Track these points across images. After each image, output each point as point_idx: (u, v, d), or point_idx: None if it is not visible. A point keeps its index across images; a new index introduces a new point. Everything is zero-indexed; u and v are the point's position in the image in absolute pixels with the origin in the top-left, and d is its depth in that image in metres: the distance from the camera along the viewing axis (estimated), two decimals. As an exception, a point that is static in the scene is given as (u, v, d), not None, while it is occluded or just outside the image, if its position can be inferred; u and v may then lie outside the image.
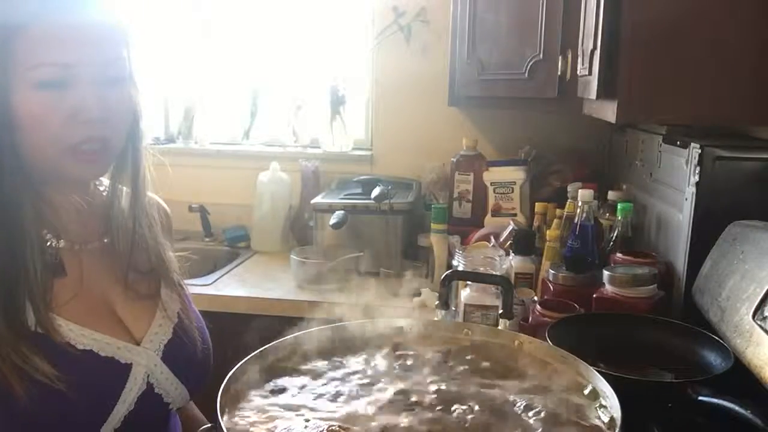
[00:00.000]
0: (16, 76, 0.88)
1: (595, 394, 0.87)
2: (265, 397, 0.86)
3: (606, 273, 1.42)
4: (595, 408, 0.84)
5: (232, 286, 2.22)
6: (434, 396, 0.88)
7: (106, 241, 1.04)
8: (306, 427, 0.79)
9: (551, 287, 1.56)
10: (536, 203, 2.09)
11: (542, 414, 0.81)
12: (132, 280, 1.03)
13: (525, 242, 1.76)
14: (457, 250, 1.68)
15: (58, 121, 0.89)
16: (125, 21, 0.97)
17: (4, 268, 0.89)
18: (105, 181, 1.06)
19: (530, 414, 0.82)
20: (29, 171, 0.93)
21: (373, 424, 0.81)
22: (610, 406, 0.83)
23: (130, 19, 0.98)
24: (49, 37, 0.88)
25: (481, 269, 1.54)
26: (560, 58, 1.84)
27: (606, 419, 0.82)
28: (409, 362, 0.98)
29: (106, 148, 0.94)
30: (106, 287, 1.02)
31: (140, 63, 1.00)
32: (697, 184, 1.38)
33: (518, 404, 0.85)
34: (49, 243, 0.97)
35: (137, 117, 1.01)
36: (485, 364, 0.98)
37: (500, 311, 1.41)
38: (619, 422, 0.78)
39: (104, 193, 1.06)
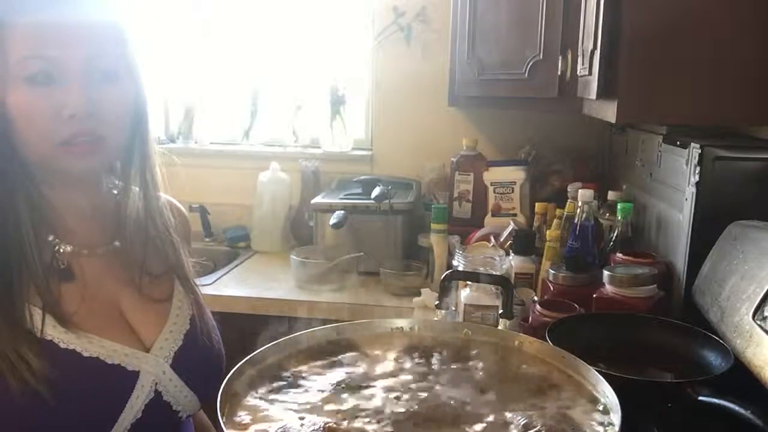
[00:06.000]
0: (7, 71, 0.88)
1: (605, 411, 0.84)
2: (264, 397, 0.86)
3: (606, 273, 1.42)
4: (602, 426, 0.81)
5: (232, 286, 2.22)
6: (431, 410, 0.85)
7: (117, 244, 1.02)
8: (302, 425, 0.79)
9: (551, 287, 1.56)
10: (536, 203, 2.09)
11: None
12: (144, 284, 1.01)
13: (525, 242, 1.76)
14: (457, 250, 1.68)
15: (46, 118, 0.89)
16: (120, 17, 0.95)
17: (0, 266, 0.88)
18: (118, 183, 1.04)
19: None
20: (27, 167, 0.93)
21: (369, 425, 0.81)
22: (615, 423, 0.79)
23: (127, 16, 0.96)
24: (37, 30, 0.88)
25: (481, 269, 1.54)
26: (560, 58, 1.84)
27: None
28: (406, 364, 0.97)
29: (99, 142, 0.92)
30: (116, 292, 1.00)
31: (142, 60, 0.98)
32: (697, 184, 1.38)
33: (518, 422, 0.82)
34: (56, 248, 0.96)
35: (141, 114, 0.99)
36: (485, 367, 0.97)
37: (500, 311, 1.41)
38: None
39: (117, 196, 1.04)
